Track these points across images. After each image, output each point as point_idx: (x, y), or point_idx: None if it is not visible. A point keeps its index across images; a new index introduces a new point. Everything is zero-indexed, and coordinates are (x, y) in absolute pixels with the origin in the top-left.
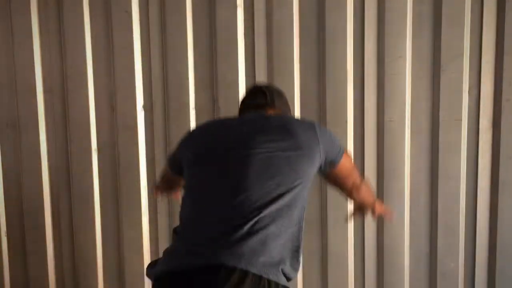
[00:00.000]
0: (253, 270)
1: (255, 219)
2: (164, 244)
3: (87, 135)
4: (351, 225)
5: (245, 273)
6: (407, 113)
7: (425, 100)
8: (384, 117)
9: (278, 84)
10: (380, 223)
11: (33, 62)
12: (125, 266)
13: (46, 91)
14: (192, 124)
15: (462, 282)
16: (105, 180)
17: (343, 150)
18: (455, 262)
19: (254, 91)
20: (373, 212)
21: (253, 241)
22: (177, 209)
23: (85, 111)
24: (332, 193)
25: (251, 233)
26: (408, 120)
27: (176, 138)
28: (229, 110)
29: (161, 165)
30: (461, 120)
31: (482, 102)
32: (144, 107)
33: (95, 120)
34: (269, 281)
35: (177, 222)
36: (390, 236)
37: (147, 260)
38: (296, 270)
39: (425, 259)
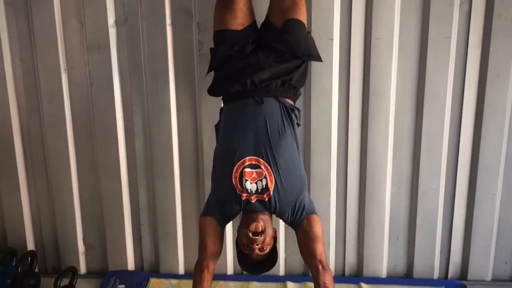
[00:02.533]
0: None
1: None
2: (141, 169)
3: (55, 54)
4: (334, 147)
5: None
6: (396, 31)
7: (414, 17)
8: (372, 34)
9: None
10: (364, 144)
11: None
12: (101, 192)
13: (7, 4)
14: (169, 41)
15: (442, 201)
16: (76, 102)
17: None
18: (436, 182)
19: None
20: None
21: None
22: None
23: (51, 28)
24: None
25: None
26: (396, 38)
27: (151, 57)
28: (208, 27)
29: (136, 87)
30: (450, 37)
31: (473, 17)
32: (116, 22)
33: (63, 37)
34: None
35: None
36: (373, 158)
37: (124, 185)
38: None
39: (407, 180)
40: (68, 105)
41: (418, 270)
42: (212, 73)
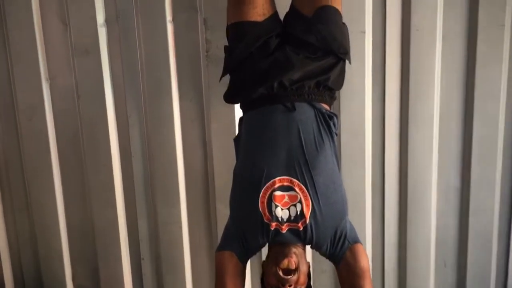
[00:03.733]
0: None
1: None
2: (141, 193)
3: (34, 61)
4: (368, 158)
5: None
6: (439, 20)
7: (460, 4)
8: (411, 25)
9: None
10: (403, 153)
11: None
12: (93, 221)
13: None
14: (170, 41)
15: (497, 221)
16: (60, 117)
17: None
18: (490, 198)
19: None
20: None
21: None
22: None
23: (28, 29)
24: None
25: None
26: (440, 29)
27: (149, 61)
28: (217, 23)
29: (132, 97)
30: (504, 25)
31: None
32: (107, 20)
33: (43, 40)
34: None
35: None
36: (415, 167)
37: (121, 214)
38: None
39: (455, 194)
40: (51, 120)
41: None
42: (227, 77)
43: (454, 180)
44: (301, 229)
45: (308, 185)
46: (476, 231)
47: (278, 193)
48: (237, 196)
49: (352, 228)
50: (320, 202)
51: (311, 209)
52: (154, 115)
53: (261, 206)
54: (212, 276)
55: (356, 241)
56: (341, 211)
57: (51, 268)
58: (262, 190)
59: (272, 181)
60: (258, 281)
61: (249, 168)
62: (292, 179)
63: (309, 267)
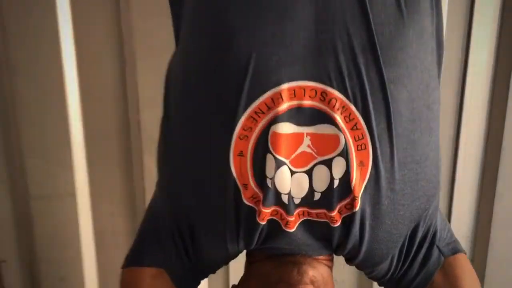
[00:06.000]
0: None
1: None
2: None
3: None
4: None
5: None
6: None
7: None
8: None
9: None
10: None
11: None
12: None
13: None
14: None
15: None
16: None
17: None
18: None
19: None
20: None
21: None
22: None
23: None
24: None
25: None
26: None
27: None
28: None
29: None
30: None
31: None
32: None
33: None
34: None
35: None
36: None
37: None
38: None
39: None
40: None
41: None
42: None
43: None
44: (338, 223)
45: (372, 114)
46: None
47: (284, 127)
48: (177, 137)
49: (446, 224)
50: (396, 160)
51: (370, 176)
52: None
53: (237, 162)
54: None
55: (456, 250)
56: (430, 189)
57: None
58: (244, 117)
59: (273, 91)
60: None
61: (208, 51)
62: (329, 89)
63: None
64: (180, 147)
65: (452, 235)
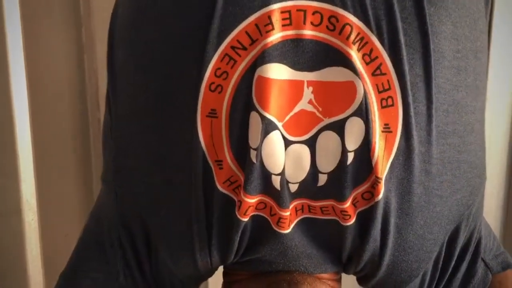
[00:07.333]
0: None
1: None
2: None
3: None
4: None
5: None
6: None
7: None
8: None
9: None
10: None
11: None
12: None
13: None
14: None
15: None
16: None
17: None
18: None
19: None
20: None
21: None
22: None
23: None
24: None
25: None
26: None
27: None
28: None
29: None
30: None
31: None
32: None
33: None
34: None
35: None
36: None
37: None
38: None
39: None
40: None
41: None
42: None
43: None
44: (351, 221)
45: (403, 50)
46: None
47: (275, 70)
48: (126, 101)
49: (490, 229)
50: (434, 127)
51: (399, 148)
52: None
53: (206, 126)
54: None
55: (507, 264)
56: (474, 178)
57: None
58: (215, 57)
59: (258, 13)
60: None
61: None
62: (341, 11)
63: None
64: (128, 114)
65: (499, 244)
